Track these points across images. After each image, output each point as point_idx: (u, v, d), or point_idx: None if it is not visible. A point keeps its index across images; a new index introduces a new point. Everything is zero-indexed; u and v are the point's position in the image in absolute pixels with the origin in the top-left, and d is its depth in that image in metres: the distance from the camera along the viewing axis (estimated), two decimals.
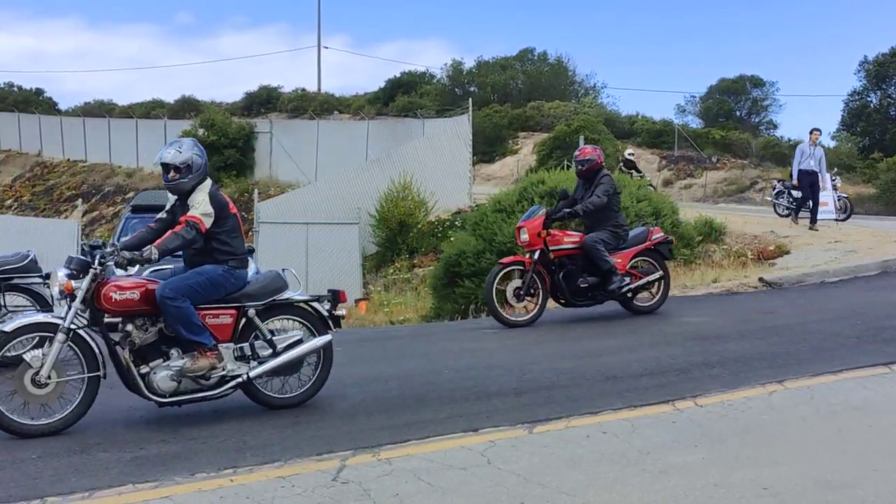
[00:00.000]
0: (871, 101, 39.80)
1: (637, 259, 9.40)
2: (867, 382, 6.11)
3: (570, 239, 9.21)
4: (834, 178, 20.74)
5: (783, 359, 6.88)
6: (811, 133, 16.55)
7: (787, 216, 19.03)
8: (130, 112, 50.15)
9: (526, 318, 9.07)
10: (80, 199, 30.60)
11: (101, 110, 52.60)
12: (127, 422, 5.49)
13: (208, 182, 5.76)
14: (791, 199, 19.43)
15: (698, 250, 14.17)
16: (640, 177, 23.90)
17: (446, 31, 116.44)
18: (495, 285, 8.96)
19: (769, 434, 4.95)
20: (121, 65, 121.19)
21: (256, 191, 24.52)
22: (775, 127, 49.41)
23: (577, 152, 9.79)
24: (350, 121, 41.16)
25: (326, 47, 78.13)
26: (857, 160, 35.11)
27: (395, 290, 18.96)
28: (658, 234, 9.59)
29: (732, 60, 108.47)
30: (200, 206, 5.57)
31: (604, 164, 9.66)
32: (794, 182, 16.65)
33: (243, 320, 5.71)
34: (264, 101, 51.40)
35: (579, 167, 9.59)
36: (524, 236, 9.12)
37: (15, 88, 61.35)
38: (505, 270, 9.09)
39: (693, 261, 13.52)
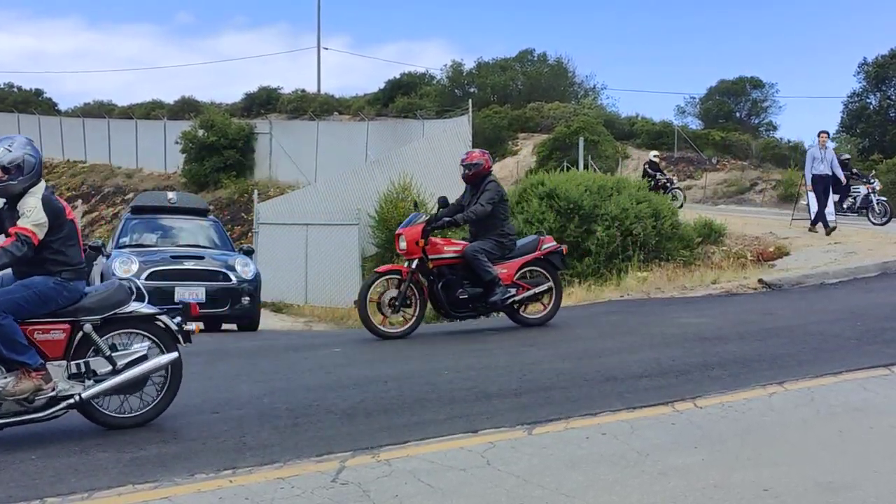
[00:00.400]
0: (871, 103, 39.89)
1: (526, 269, 9.04)
2: (867, 384, 6.11)
3: (451, 248, 8.83)
4: (872, 179, 20.47)
5: (783, 360, 6.88)
6: (819, 136, 16.41)
7: None
8: (130, 113, 50.18)
9: (401, 329, 8.69)
10: (79, 200, 30.61)
11: (100, 111, 52.69)
12: None
13: (42, 185, 5.23)
14: None
15: (698, 251, 14.18)
16: (667, 181, 23.41)
17: (447, 33, 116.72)
18: (370, 294, 8.56)
19: (769, 435, 4.95)
20: (121, 65, 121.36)
21: (256, 191, 24.53)
22: (775, 128, 49.65)
23: (463, 156, 9.32)
24: (350, 122, 41.19)
25: (326, 48, 78.33)
26: (856, 162, 35.12)
27: None
28: (549, 244, 9.19)
29: (732, 62, 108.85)
30: (32, 214, 5.05)
31: (492, 169, 9.28)
32: (809, 188, 16.36)
33: (79, 335, 5.20)
34: (264, 102, 51.47)
35: (465, 171, 9.11)
36: (402, 244, 8.70)
37: (14, 89, 61.44)
38: (381, 279, 8.71)
39: (693, 262, 13.53)
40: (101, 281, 11.74)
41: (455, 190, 23.61)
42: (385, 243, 21.19)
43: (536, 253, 9.09)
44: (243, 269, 11.74)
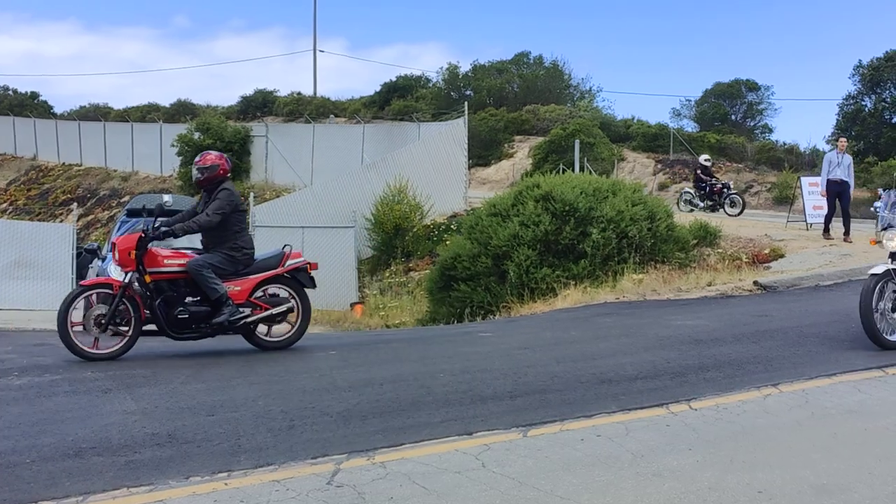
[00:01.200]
0: (866, 105, 39.98)
1: (266, 287, 8.26)
2: (861, 386, 6.14)
3: (173, 261, 7.93)
4: None
5: (778, 362, 6.90)
6: (838, 141, 16.29)
7: None
8: (126, 116, 50.15)
9: (109, 350, 7.68)
10: (75, 203, 30.56)
11: (96, 114, 52.63)
12: (121, 425, 5.46)
13: None
14: None
15: (693, 254, 14.20)
16: (723, 186, 22.60)
17: (443, 36, 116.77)
18: (71, 310, 7.58)
19: (764, 437, 4.96)
20: (118, 68, 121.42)
21: (252, 194, 24.51)
22: (770, 131, 49.67)
23: (197, 158, 8.40)
24: (346, 124, 41.19)
25: (322, 51, 78.34)
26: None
27: (390, 294, 18.98)
28: (295, 260, 8.35)
29: (728, 64, 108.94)
30: None
31: (229, 174, 8.39)
32: (823, 192, 16.18)
33: None
34: (260, 105, 51.50)
35: (198, 176, 8.25)
36: (116, 254, 7.86)
37: (10, 92, 61.38)
38: (87, 294, 7.81)
39: (688, 264, 13.55)
40: None
41: (449, 192, 23.72)
42: (381, 246, 21.24)
43: (279, 269, 8.28)
44: None
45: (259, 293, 8.21)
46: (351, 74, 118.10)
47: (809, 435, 5.04)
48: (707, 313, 9.74)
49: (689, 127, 47.90)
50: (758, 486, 4.15)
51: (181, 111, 49.60)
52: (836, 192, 15.77)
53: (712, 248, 14.68)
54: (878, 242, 7.90)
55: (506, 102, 45.33)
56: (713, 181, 22.92)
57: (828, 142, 41.34)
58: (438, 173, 23.36)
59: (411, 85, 50.61)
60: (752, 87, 49.31)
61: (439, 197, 22.60)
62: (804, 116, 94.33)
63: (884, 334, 7.41)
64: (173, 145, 36.88)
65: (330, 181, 24.26)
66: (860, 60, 41.05)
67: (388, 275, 20.49)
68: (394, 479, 4.30)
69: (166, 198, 14.02)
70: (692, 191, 23.37)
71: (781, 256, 14.05)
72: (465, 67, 49.07)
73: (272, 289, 8.34)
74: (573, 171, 23.25)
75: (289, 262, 8.33)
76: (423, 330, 12.66)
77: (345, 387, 6.44)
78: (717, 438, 4.94)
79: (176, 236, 8.09)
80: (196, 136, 35.95)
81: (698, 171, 23.41)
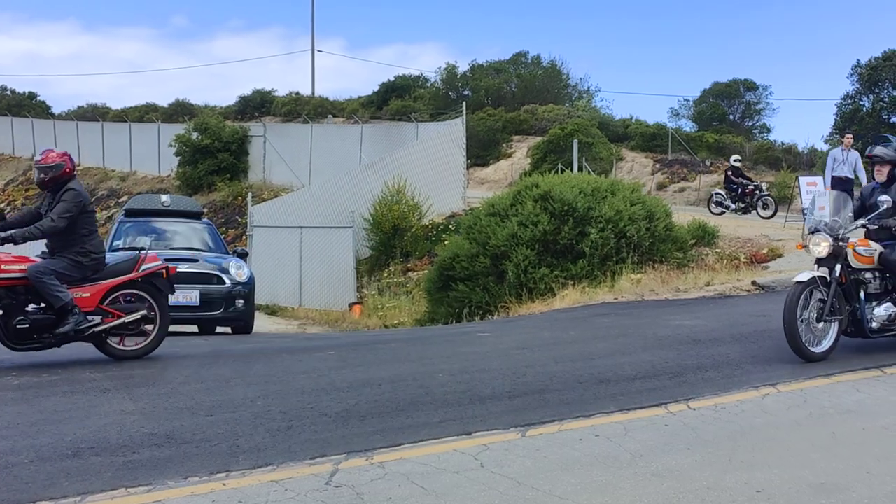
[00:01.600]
0: (864, 105, 40.06)
1: (119, 293, 7.67)
2: (860, 385, 6.15)
3: (12, 266, 7.28)
4: None
5: (776, 362, 6.91)
6: (844, 137, 16.11)
7: None
8: (124, 116, 50.14)
9: None
10: None
11: (94, 114, 52.61)
12: (119, 426, 5.45)
13: None
14: None
15: (691, 254, 14.21)
16: (755, 187, 21.93)
17: (441, 36, 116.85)
18: None
19: (762, 437, 4.97)
20: (116, 68, 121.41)
21: (250, 194, 24.53)
22: (769, 131, 49.77)
23: (38, 157, 7.71)
24: (344, 124, 41.20)
25: (321, 51, 78.42)
26: None
27: (388, 294, 18.99)
28: (151, 264, 7.78)
29: (726, 64, 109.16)
30: None
31: (75, 173, 7.79)
32: (827, 189, 16.01)
33: None
34: (258, 105, 51.51)
35: (41, 176, 7.60)
36: None
37: (8, 92, 61.36)
38: None
39: (686, 264, 13.56)
40: None
41: (448, 192, 23.73)
42: (379, 246, 21.27)
43: (132, 274, 7.70)
44: (237, 271, 11.72)
45: (111, 300, 7.65)
46: (349, 74, 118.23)
47: (808, 434, 5.04)
48: (705, 313, 9.74)
49: (688, 127, 48.03)
50: (756, 485, 4.15)
51: (179, 111, 49.60)
52: (840, 189, 15.65)
53: (710, 248, 14.69)
54: (805, 247, 7.51)
55: (504, 102, 45.37)
56: (745, 182, 22.23)
57: (826, 141, 41.40)
58: (437, 173, 23.38)
59: (409, 85, 50.66)
60: (751, 86, 49.39)
61: (438, 197, 22.62)
62: (802, 116, 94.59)
63: (808, 346, 6.95)
64: (171, 145, 36.88)
65: (328, 181, 24.27)
66: (858, 60, 41.19)
67: (386, 275, 20.51)
68: (392, 479, 4.30)
69: (164, 198, 14.01)
70: (723, 192, 22.62)
71: (779, 256, 14.06)
72: (463, 67, 49.21)
73: (127, 295, 7.77)
74: (572, 170, 23.24)
75: (143, 267, 7.75)
76: (422, 330, 12.67)
77: (343, 387, 6.44)
78: (715, 438, 4.94)
79: (16, 243, 7.48)
80: (194, 136, 35.98)
81: (728, 173, 22.72)
